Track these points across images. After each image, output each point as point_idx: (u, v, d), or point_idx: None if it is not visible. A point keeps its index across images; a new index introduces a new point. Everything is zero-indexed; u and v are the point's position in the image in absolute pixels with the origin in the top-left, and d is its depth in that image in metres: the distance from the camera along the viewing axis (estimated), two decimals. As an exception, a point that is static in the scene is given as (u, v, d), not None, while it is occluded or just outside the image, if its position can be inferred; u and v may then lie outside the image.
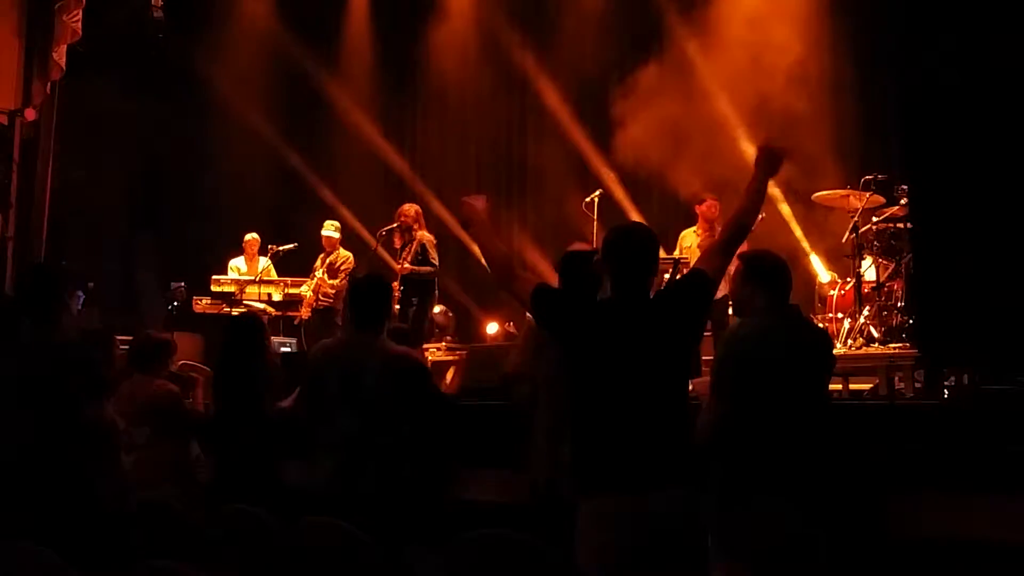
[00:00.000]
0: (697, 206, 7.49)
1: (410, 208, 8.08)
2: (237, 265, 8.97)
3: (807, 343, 3.46)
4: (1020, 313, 6.37)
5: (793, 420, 3.23)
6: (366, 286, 4.15)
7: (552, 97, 10.01)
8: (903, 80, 7.90)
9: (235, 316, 6.97)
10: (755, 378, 3.22)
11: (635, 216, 9.29)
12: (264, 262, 8.91)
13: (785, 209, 8.38)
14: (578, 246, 3.95)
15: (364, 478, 3.78)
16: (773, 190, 8.43)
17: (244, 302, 8.52)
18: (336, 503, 3.63)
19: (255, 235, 9.08)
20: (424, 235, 8.00)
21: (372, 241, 8.43)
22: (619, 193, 9.33)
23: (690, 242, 7.38)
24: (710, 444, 3.15)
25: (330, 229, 8.77)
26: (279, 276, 8.87)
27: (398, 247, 8.07)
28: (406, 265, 7.82)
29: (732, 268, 3.46)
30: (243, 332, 4.81)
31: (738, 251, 3.34)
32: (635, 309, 2.94)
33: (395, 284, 7.85)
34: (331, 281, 8.60)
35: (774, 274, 3.49)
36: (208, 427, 4.87)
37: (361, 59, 11.44)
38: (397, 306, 8.00)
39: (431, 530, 3.74)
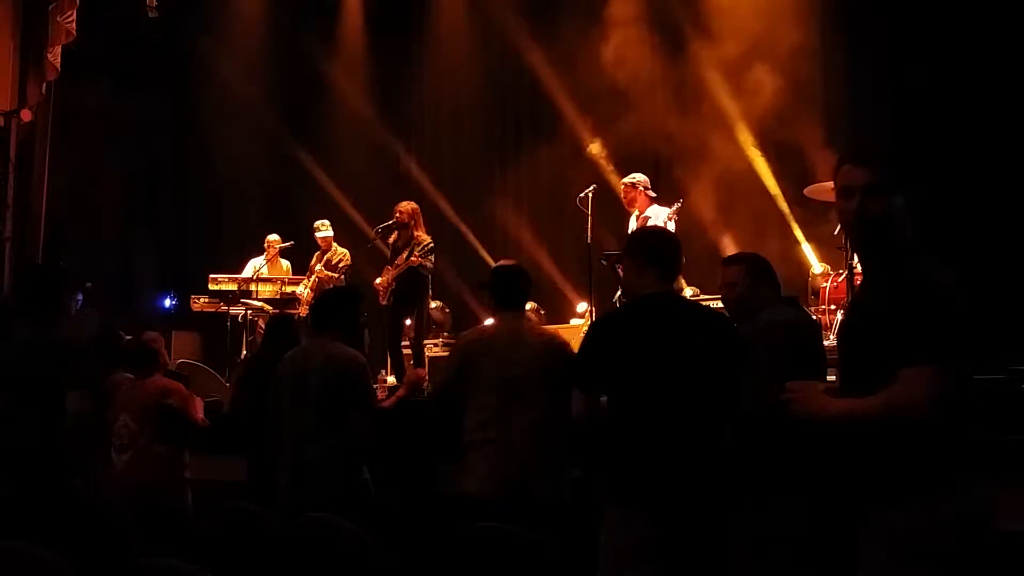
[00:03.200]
0: (623, 188, 7.53)
1: (407, 205, 8.08)
2: (256, 264, 8.96)
3: (814, 335, 3.60)
4: (1010, 303, 6.43)
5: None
6: (329, 293, 4.29)
7: (552, 84, 10.05)
8: (894, 75, 7.96)
9: (273, 315, 7.00)
10: (794, 364, 3.25)
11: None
12: (286, 264, 8.99)
13: (779, 201, 8.42)
14: (504, 262, 4.14)
15: (313, 478, 3.90)
16: (768, 182, 8.50)
17: (242, 301, 8.56)
18: (297, 505, 3.71)
19: (275, 236, 9.07)
20: (422, 235, 8.00)
21: (371, 234, 8.47)
22: (617, 184, 9.35)
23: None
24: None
25: (323, 229, 8.80)
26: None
27: (391, 242, 8.10)
28: (417, 257, 7.75)
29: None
30: (280, 331, 4.88)
31: (729, 255, 3.58)
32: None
33: (387, 280, 7.90)
34: (330, 274, 8.64)
35: (770, 271, 3.64)
36: (235, 425, 4.90)
37: (359, 52, 11.43)
38: (391, 303, 8.03)
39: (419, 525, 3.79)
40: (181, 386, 4.93)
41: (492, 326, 4.05)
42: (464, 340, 4.07)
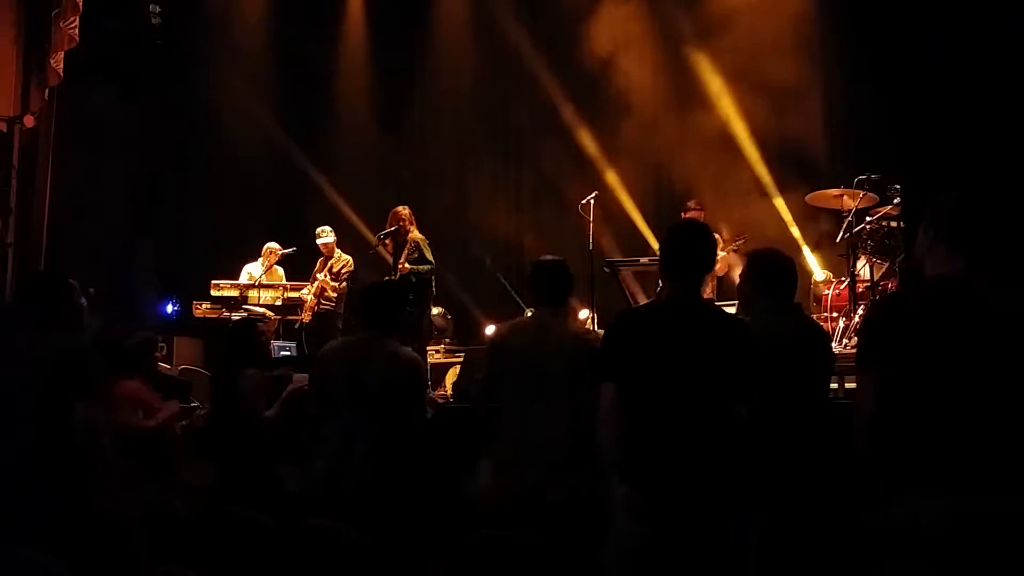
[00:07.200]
0: (683, 214, 7.75)
1: (403, 210, 8.16)
2: (251, 271, 8.95)
3: (809, 341, 3.52)
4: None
5: (796, 418, 3.28)
6: (380, 288, 4.28)
7: (552, 88, 10.07)
8: (896, 80, 7.96)
9: (233, 321, 6.95)
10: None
11: (634, 215, 9.35)
12: (280, 271, 8.99)
13: (781, 208, 8.43)
14: (546, 257, 4.06)
15: (361, 470, 3.86)
16: (770, 189, 8.52)
17: (244, 307, 8.56)
18: (332, 499, 3.72)
19: (275, 244, 9.05)
20: (416, 235, 8.08)
21: (373, 240, 8.48)
22: (619, 190, 9.36)
23: None
24: None
25: (325, 235, 8.78)
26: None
27: (391, 250, 8.14)
28: (405, 265, 7.89)
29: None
30: (238, 337, 4.90)
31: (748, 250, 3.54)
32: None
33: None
34: (332, 283, 8.65)
35: (776, 273, 3.56)
36: (205, 432, 4.90)
37: (362, 57, 11.46)
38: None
39: (429, 530, 3.79)
40: (144, 395, 4.84)
41: (522, 320, 4.14)
42: (495, 333, 4.11)
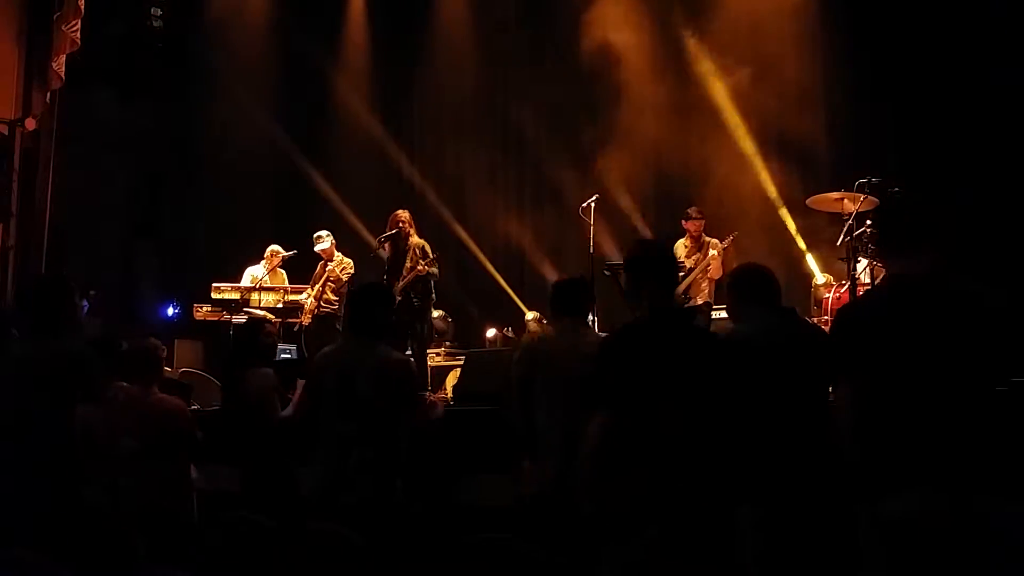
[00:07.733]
0: (684, 222, 7.79)
1: (403, 213, 8.11)
2: (254, 273, 8.93)
3: (806, 344, 3.52)
4: (1015, 313, 6.41)
5: (789, 420, 3.27)
6: (365, 293, 4.23)
7: (553, 90, 10.08)
8: (897, 83, 7.97)
9: (244, 321, 6.89)
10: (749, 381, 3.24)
11: (635, 219, 9.35)
12: (283, 273, 8.97)
13: (782, 212, 8.43)
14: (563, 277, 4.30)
15: (357, 482, 3.83)
16: (771, 192, 8.52)
17: (245, 310, 8.55)
18: (332, 507, 3.71)
19: (278, 247, 9.03)
20: (416, 239, 8.03)
21: (373, 243, 8.45)
22: (620, 194, 9.36)
23: (680, 254, 7.69)
24: None
25: (322, 241, 8.69)
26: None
27: (389, 254, 8.10)
28: (424, 266, 7.80)
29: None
30: (244, 337, 4.89)
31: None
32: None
33: (396, 290, 7.88)
34: (333, 284, 8.62)
35: (762, 281, 3.62)
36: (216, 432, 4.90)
37: (363, 62, 11.47)
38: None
39: (426, 535, 3.78)
40: (182, 403, 4.85)
41: (552, 330, 4.27)
42: (527, 340, 4.39)
